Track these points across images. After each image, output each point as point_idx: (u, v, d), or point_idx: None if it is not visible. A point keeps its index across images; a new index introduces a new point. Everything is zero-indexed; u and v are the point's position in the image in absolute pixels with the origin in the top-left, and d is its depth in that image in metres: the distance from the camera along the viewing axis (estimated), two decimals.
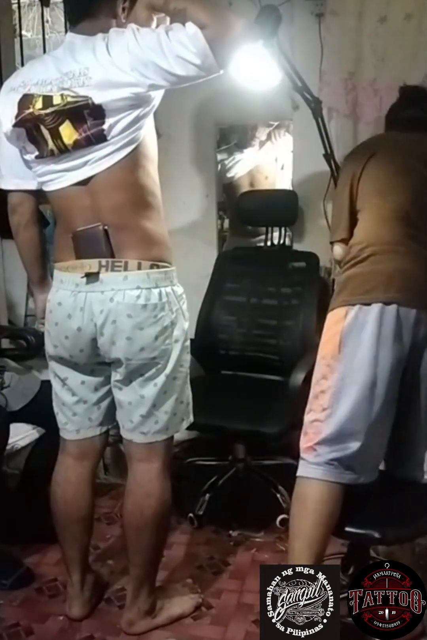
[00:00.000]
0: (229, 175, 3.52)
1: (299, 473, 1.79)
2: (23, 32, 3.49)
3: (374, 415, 1.72)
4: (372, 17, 2.51)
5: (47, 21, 3.50)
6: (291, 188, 3.03)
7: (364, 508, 1.78)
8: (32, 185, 1.80)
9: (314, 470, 1.74)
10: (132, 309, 1.69)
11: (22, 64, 3.14)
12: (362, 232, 1.88)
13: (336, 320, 1.79)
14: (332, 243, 1.99)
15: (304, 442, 1.79)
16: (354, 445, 1.72)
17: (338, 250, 1.96)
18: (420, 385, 1.80)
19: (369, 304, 1.73)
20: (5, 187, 1.84)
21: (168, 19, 1.64)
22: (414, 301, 1.74)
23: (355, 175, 1.90)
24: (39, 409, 2.19)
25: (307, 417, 1.81)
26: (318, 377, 1.81)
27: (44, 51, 3.13)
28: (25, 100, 1.66)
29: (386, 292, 1.73)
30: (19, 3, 3.19)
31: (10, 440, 2.16)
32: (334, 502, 1.73)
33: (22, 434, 2.27)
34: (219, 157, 3.22)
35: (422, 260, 1.79)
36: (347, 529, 1.74)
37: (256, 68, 2.13)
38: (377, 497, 1.81)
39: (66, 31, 3.06)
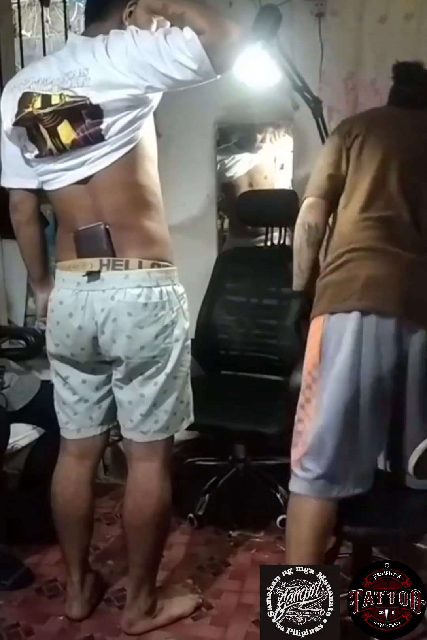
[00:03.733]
0: (228, 175, 3.51)
1: (290, 487, 1.76)
2: (23, 32, 3.48)
3: (356, 427, 1.68)
4: (373, 17, 2.51)
5: (47, 21, 3.49)
6: (290, 188, 3.03)
7: (362, 507, 1.77)
8: (34, 184, 1.81)
9: (304, 487, 1.71)
10: (132, 308, 1.69)
11: (22, 64, 3.15)
12: (339, 236, 1.81)
13: (316, 329, 1.74)
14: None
15: (294, 454, 1.76)
16: (335, 458, 1.68)
17: (307, 202, 1.88)
18: (405, 396, 1.74)
19: (347, 312, 1.68)
20: (7, 185, 1.84)
21: (168, 22, 1.65)
22: (392, 310, 1.66)
23: (345, 146, 1.82)
24: (39, 409, 2.19)
25: (296, 427, 1.77)
26: (303, 387, 1.76)
27: (44, 51, 3.13)
28: (25, 99, 1.67)
29: (361, 299, 1.67)
30: (18, 3, 3.19)
31: (10, 441, 2.16)
32: (327, 518, 1.70)
33: (22, 434, 2.27)
34: (218, 157, 3.22)
35: (402, 265, 1.70)
36: (346, 528, 1.74)
37: (256, 68, 2.14)
38: (376, 496, 1.80)
39: (66, 31, 3.10)
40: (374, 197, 1.77)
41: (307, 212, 1.88)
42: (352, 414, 1.67)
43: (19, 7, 3.21)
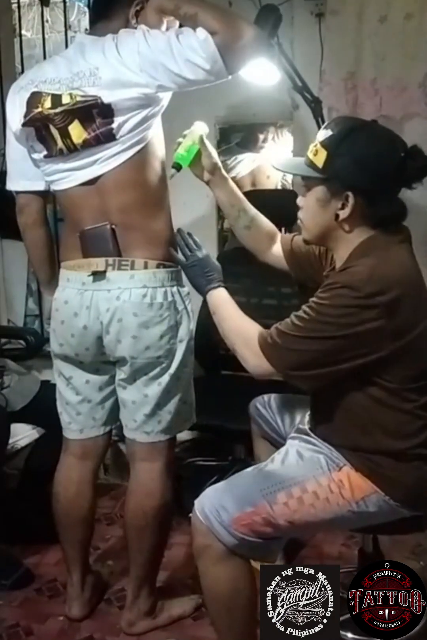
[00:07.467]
0: (230, 175, 3.51)
1: None
2: (23, 32, 3.48)
3: None
4: (373, 17, 2.51)
5: (47, 21, 3.50)
6: (291, 188, 3.03)
7: None
8: (40, 186, 1.81)
9: None
10: (138, 308, 1.69)
11: (22, 64, 3.15)
12: None
13: None
14: None
15: None
16: None
17: None
18: None
19: None
20: (13, 188, 1.84)
21: (177, 22, 1.65)
22: None
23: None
24: (39, 409, 2.19)
25: None
26: None
27: (44, 51, 3.13)
28: (34, 99, 1.66)
29: None
30: (18, 3, 3.19)
31: (10, 441, 2.16)
32: None
33: (22, 434, 2.27)
34: (221, 157, 3.22)
35: None
36: None
37: (256, 68, 2.13)
38: None
39: (66, 31, 3.10)
40: None
41: None
42: None
43: (19, 7, 3.21)
